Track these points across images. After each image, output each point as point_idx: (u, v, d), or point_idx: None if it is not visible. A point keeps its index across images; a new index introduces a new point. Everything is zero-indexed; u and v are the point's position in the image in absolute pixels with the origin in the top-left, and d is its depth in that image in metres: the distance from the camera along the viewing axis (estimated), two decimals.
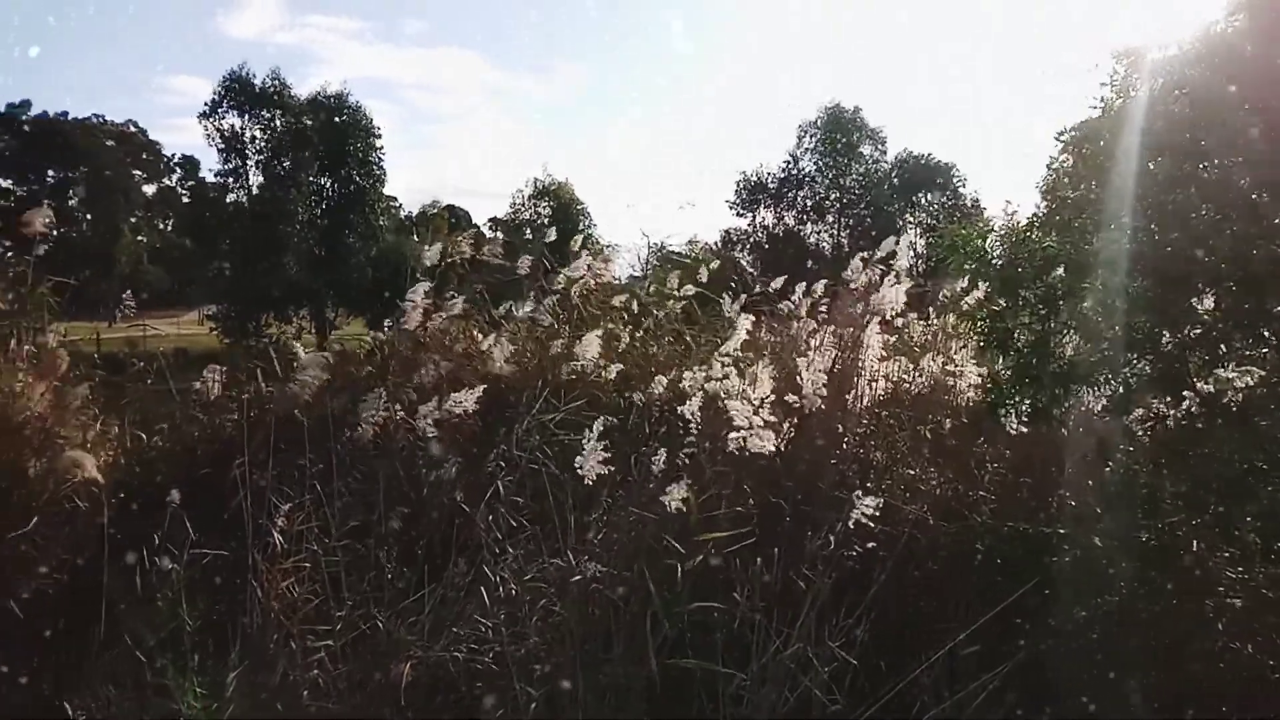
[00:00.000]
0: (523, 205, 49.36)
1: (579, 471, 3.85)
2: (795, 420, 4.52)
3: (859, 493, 3.66)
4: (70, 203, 62.44)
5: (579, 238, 7.96)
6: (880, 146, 52.98)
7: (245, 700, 3.22)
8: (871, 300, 5.27)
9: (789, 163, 52.23)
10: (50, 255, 4.99)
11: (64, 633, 3.53)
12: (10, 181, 63.45)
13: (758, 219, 52.87)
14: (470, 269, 6.57)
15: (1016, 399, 4.50)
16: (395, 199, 51.43)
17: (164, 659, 3.35)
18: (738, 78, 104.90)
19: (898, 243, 6.20)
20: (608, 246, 9.40)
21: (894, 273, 5.68)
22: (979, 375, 5.32)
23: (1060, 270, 4.49)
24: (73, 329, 6.57)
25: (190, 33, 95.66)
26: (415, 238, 51.39)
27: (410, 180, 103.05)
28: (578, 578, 3.48)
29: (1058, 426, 4.65)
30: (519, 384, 5.13)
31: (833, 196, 52.15)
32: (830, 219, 53.03)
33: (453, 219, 61.29)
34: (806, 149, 52.19)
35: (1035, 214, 4.78)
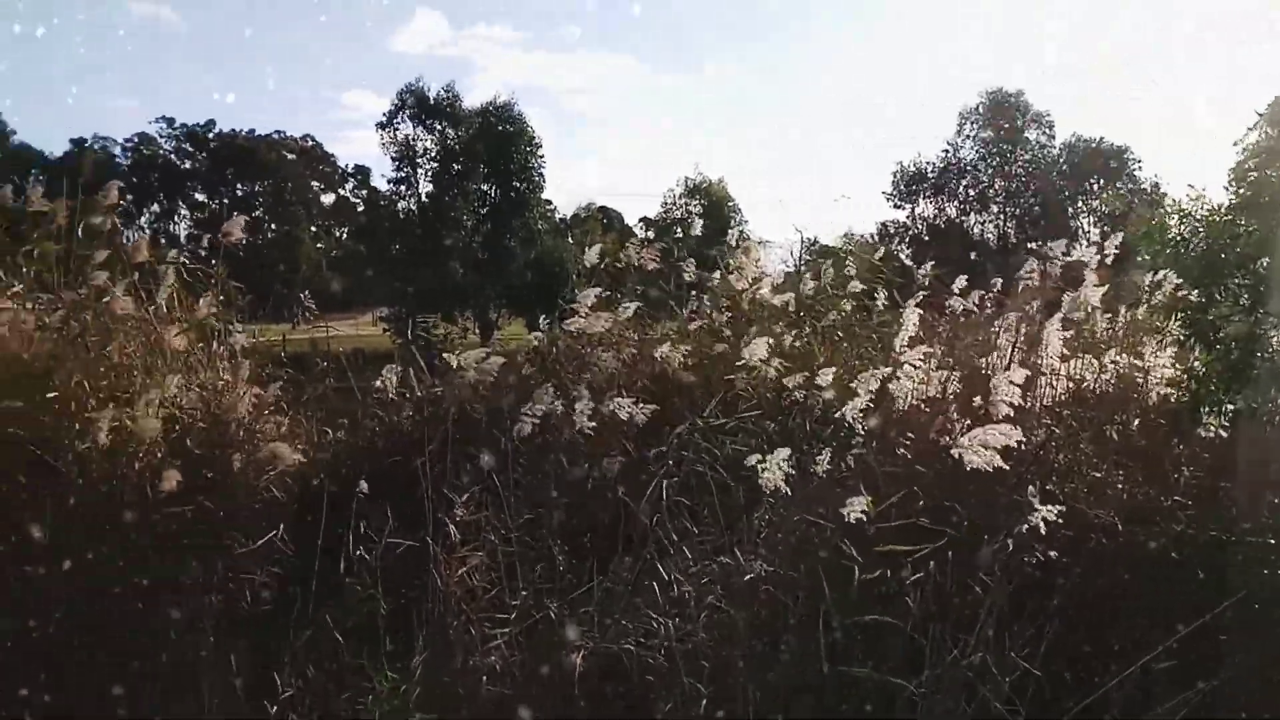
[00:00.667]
0: (674, 204, 49.79)
1: (748, 474, 3.89)
2: (968, 421, 4.33)
3: (1033, 493, 3.48)
4: (256, 214, 67.44)
5: (733, 233, 7.90)
6: (1047, 131, 50.25)
7: (430, 684, 3.39)
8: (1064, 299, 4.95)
9: (949, 151, 50.29)
10: (240, 262, 5.36)
11: (269, 615, 3.80)
12: (204, 196, 69.33)
13: (917, 210, 51.18)
14: (628, 269, 6.65)
15: (1221, 397, 4.14)
16: (551, 203, 52.89)
17: (357, 643, 3.57)
18: (889, 69, 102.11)
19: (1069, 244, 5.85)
20: (760, 243, 9.29)
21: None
22: (1172, 371, 4.92)
23: (1267, 258, 4.11)
24: (261, 331, 7.07)
25: (361, 50, 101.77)
26: (570, 240, 52.97)
27: (563, 182, 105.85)
28: (748, 576, 3.46)
29: (1265, 426, 4.25)
30: (683, 383, 5.15)
31: (997, 185, 49.80)
32: (994, 208, 50.68)
33: (605, 220, 62.44)
34: (967, 136, 50.11)
35: (1239, 196, 4.38)
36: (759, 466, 3.80)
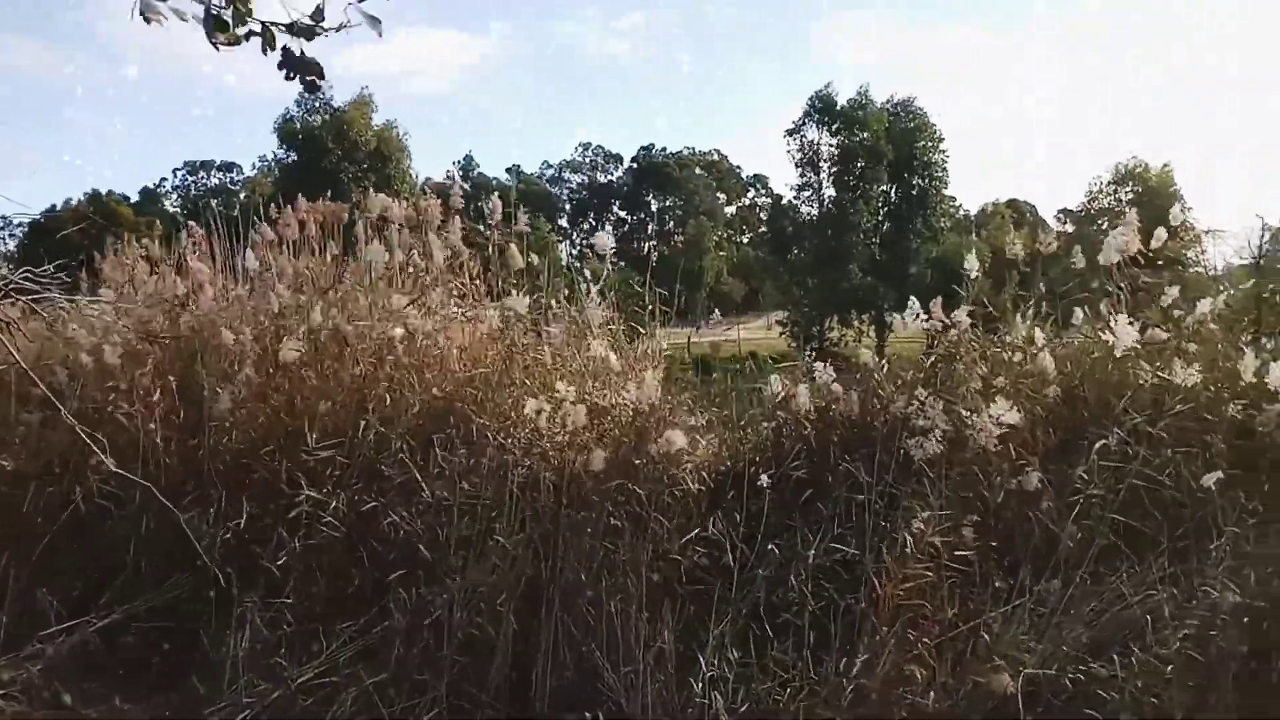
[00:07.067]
0: (1100, 192, 45.19)
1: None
2: None
3: None
4: (667, 226, 72.82)
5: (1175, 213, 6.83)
6: None
7: (853, 687, 3.41)
8: None
9: None
10: (654, 272, 5.73)
11: (692, 596, 4.06)
12: (624, 211, 76.44)
13: None
14: (1032, 267, 6.08)
15: None
16: (955, 199, 50.56)
17: (777, 635, 3.68)
18: None
19: None
20: (1206, 233, 8.02)
21: None
22: None
23: None
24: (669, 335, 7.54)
25: (777, 62, 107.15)
26: (975, 237, 50.19)
27: (975, 175, 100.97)
28: (1222, 612, 3.01)
29: None
30: (1091, 395, 4.62)
31: None
32: None
33: (1015, 215, 58.45)
34: None
35: None
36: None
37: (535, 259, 5.62)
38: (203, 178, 75.09)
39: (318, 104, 48.41)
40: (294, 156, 49.73)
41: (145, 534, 4.79)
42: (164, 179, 73.54)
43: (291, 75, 2.64)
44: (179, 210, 60.79)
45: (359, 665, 4.07)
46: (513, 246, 5.62)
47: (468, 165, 76.61)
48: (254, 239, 6.14)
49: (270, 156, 58.72)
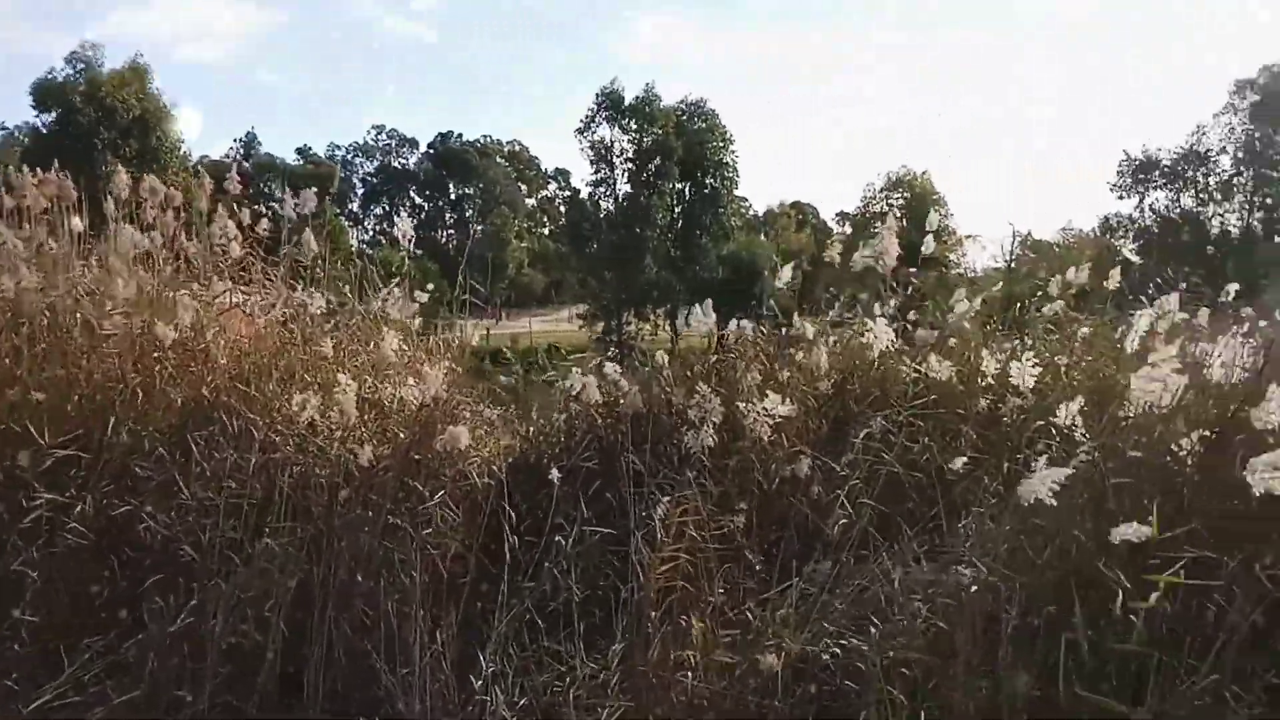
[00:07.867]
0: (873, 198, 48.60)
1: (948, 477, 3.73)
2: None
3: None
4: (467, 214, 71.59)
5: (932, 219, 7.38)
6: None
7: (626, 673, 3.48)
8: None
9: (1195, 135, 45.71)
10: (451, 261, 5.64)
11: (471, 594, 3.99)
12: (421, 199, 74.39)
13: (1146, 202, 47.11)
14: (816, 266, 6.46)
15: None
16: (746, 199, 52.94)
17: (554, 628, 3.69)
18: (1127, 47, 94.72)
19: None
20: (966, 238, 8.82)
21: None
22: None
23: None
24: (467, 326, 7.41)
25: (577, 53, 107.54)
26: (763, 236, 52.83)
27: (760, 176, 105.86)
28: (967, 586, 3.28)
29: None
30: (859, 388, 4.97)
31: (1246, 174, 44.83)
32: (1240, 199, 45.70)
33: (800, 216, 61.91)
34: (1237, 112, 45.03)
35: None
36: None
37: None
38: None
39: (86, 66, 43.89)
40: (52, 123, 44.85)
41: None
42: None
43: None
44: None
45: (108, 683, 3.76)
46: (308, 232, 5.35)
47: (250, 143, 72.22)
48: None
49: (23, 123, 52.79)
